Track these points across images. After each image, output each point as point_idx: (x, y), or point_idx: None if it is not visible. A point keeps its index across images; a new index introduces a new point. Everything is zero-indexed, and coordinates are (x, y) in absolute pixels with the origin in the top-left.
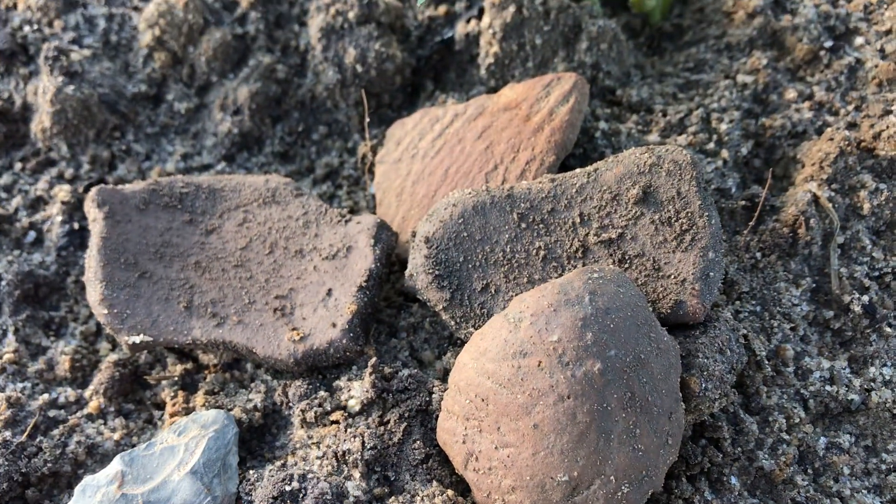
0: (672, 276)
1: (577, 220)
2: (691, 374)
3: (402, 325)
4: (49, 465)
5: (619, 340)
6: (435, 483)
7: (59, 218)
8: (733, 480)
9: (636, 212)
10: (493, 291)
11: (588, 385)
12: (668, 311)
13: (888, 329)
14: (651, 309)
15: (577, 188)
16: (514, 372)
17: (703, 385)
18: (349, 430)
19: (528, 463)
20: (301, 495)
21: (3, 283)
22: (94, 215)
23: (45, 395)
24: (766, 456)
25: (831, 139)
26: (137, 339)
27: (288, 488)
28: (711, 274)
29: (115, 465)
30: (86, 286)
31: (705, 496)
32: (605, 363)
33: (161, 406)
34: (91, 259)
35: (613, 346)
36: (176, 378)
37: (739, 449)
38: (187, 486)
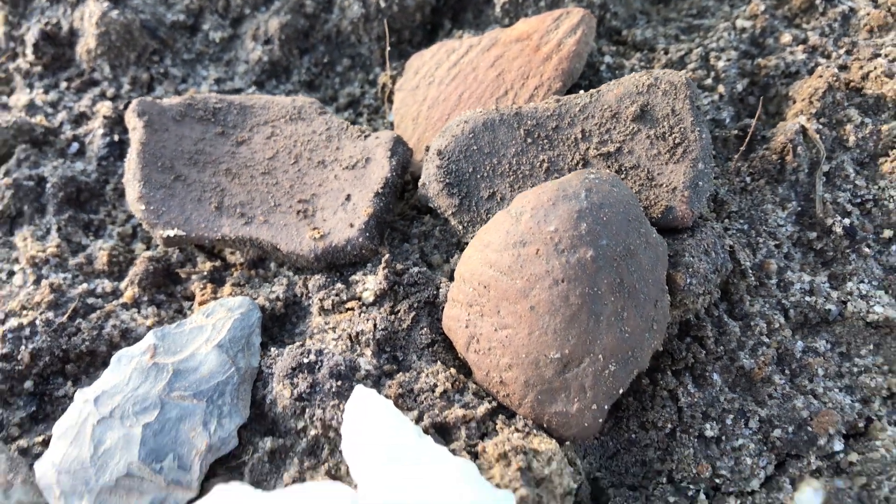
0: (664, 185)
1: (579, 135)
2: (677, 269)
3: (413, 233)
4: (87, 343)
5: (610, 232)
6: (439, 363)
7: (101, 131)
8: (715, 377)
9: (633, 128)
10: (498, 199)
11: (581, 270)
12: (659, 215)
13: (866, 249)
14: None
15: (580, 107)
16: (514, 260)
17: (688, 280)
18: (363, 315)
19: (524, 342)
20: (317, 366)
21: (49, 185)
22: (134, 124)
23: (84, 285)
24: (747, 356)
25: (821, 76)
26: (171, 232)
27: (306, 360)
28: (700, 183)
29: (149, 338)
30: (125, 187)
31: (688, 389)
32: (597, 251)
33: (190, 298)
34: (130, 162)
35: (605, 237)
36: (205, 273)
37: (722, 348)
38: (214, 357)
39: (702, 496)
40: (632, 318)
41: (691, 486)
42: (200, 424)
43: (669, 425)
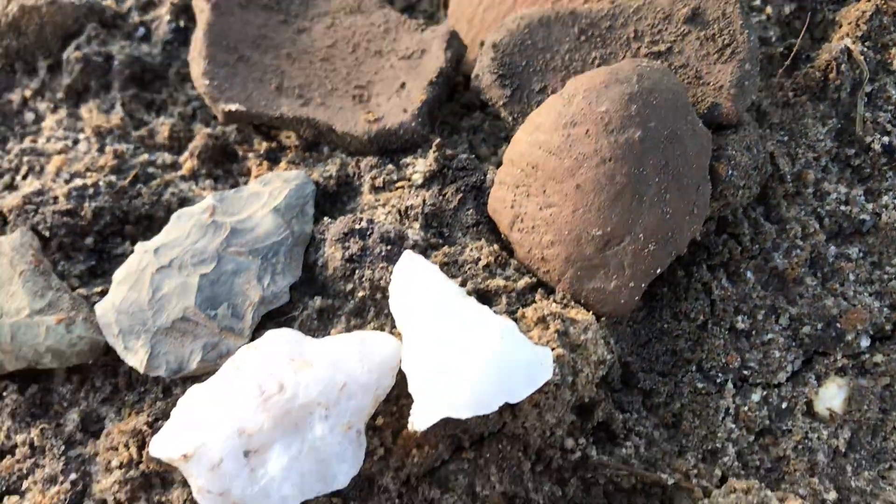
0: (711, 84)
1: (632, 35)
2: (720, 161)
3: (463, 127)
4: (146, 207)
5: (658, 115)
6: (483, 240)
7: (167, 17)
8: (749, 274)
9: (684, 29)
10: (549, 93)
11: (628, 150)
12: (705, 111)
13: None
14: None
15: (633, 9)
16: (563, 140)
17: (730, 172)
18: (412, 193)
19: (567, 220)
20: (368, 232)
21: (116, 63)
22: (201, 7)
23: (145, 156)
24: (781, 257)
25: (869, 0)
26: (233, 107)
27: (357, 227)
28: (746, 83)
29: (208, 200)
30: (190, 64)
31: (722, 283)
32: (645, 132)
33: (246, 174)
34: (197, 41)
35: (654, 119)
36: (261, 153)
37: (757, 247)
38: (270, 220)
39: (729, 385)
40: (674, 200)
41: (720, 375)
42: (255, 279)
43: (702, 317)
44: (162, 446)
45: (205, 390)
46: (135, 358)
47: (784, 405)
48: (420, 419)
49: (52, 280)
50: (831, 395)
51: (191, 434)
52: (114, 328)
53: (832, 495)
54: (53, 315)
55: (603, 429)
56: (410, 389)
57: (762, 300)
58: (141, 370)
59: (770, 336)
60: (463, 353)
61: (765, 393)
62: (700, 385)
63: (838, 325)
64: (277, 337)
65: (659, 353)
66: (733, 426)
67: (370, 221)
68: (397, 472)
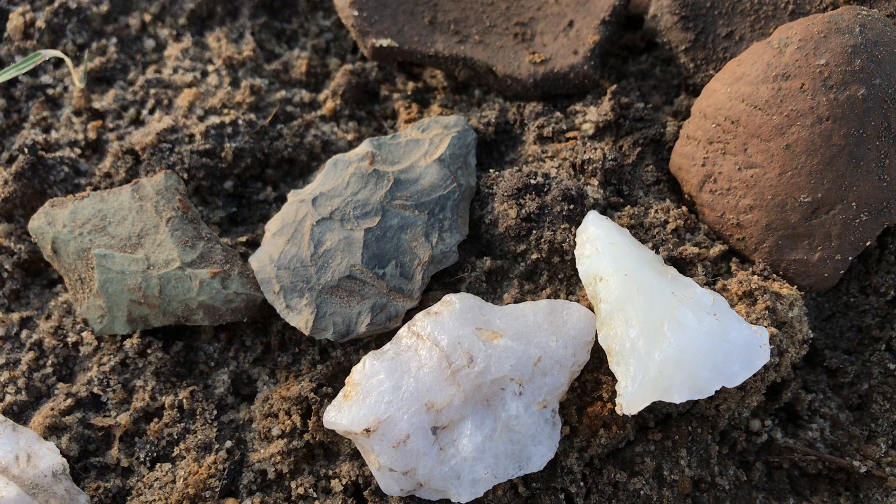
0: None
1: None
2: None
3: (630, 71)
4: (288, 150)
5: (884, 72)
6: (668, 200)
7: None
8: None
9: None
10: (736, 39)
11: (849, 109)
12: None
13: None
14: None
15: None
16: (773, 94)
17: None
18: (588, 145)
19: (771, 183)
20: (545, 189)
21: None
22: None
23: (282, 92)
24: None
25: None
26: (384, 42)
27: (533, 182)
28: None
29: (365, 146)
30: None
31: None
32: (868, 90)
33: (390, 117)
34: None
35: (878, 76)
36: (408, 93)
37: None
38: (435, 171)
39: None
40: (893, 167)
41: None
42: (422, 236)
43: (893, 292)
44: (338, 417)
45: (383, 359)
46: (299, 318)
47: None
48: (631, 403)
49: (201, 228)
50: None
51: (372, 406)
52: (274, 285)
53: None
54: (207, 268)
55: (786, 409)
56: (614, 369)
57: None
58: (306, 332)
59: None
60: (676, 332)
61: None
62: (891, 366)
63: None
64: (459, 303)
65: (844, 328)
66: None
67: (546, 177)
68: (581, 453)
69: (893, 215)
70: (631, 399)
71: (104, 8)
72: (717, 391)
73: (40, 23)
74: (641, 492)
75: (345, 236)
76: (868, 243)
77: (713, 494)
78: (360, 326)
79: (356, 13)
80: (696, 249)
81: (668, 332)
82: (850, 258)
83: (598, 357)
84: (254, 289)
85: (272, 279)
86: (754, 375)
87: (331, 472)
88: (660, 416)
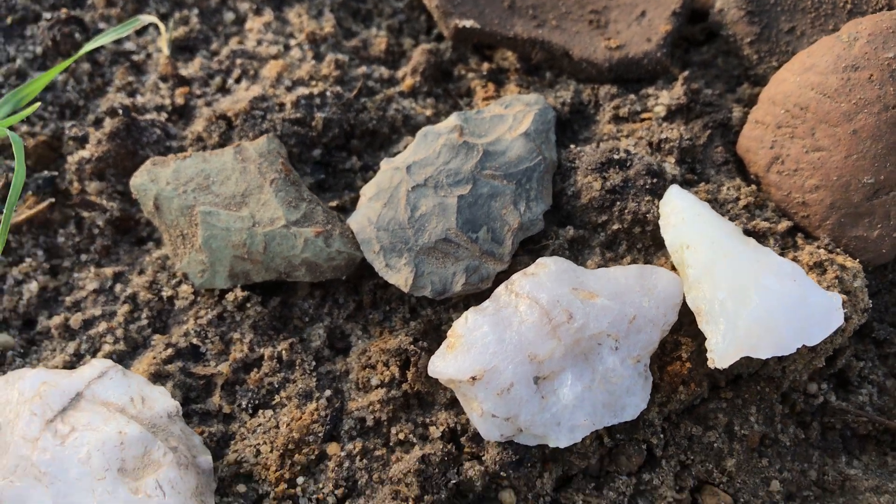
0: None
1: None
2: None
3: (693, 60)
4: (372, 122)
5: None
6: (738, 178)
7: None
8: None
9: None
10: (798, 34)
11: None
12: None
13: None
14: None
15: None
16: (842, 83)
17: None
18: (663, 125)
19: (837, 164)
20: (628, 164)
21: None
22: None
23: (363, 68)
24: None
25: None
26: (467, 23)
27: (616, 157)
28: None
29: (453, 119)
30: None
31: None
32: None
33: (466, 95)
34: None
35: None
36: (483, 73)
37: None
38: (521, 144)
39: None
40: None
41: None
42: (511, 204)
43: None
44: (444, 367)
45: (485, 314)
46: (398, 276)
47: None
48: (723, 358)
49: (303, 191)
50: None
51: (477, 356)
52: (374, 245)
53: None
54: (311, 227)
55: (838, 375)
56: (703, 327)
57: None
58: (405, 289)
59: None
60: (762, 294)
61: None
62: None
63: None
64: (554, 265)
65: (889, 304)
66: None
67: (628, 152)
68: (661, 408)
69: None
70: (722, 354)
71: None
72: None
73: None
74: (714, 444)
75: (439, 202)
76: None
77: (776, 450)
78: (456, 286)
79: None
80: (766, 224)
81: (754, 295)
82: None
83: (678, 322)
84: (354, 248)
85: (372, 239)
86: (825, 339)
87: (428, 420)
88: (730, 376)
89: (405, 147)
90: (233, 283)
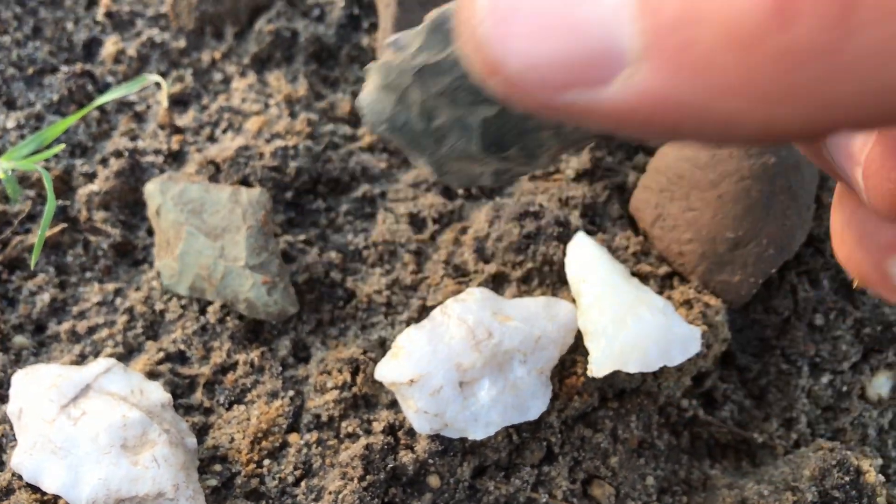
0: None
1: None
2: (823, 191)
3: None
4: (336, 171)
5: (787, 147)
6: (630, 230)
7: (341, 4)
8: (825, 282)
9: None
10: None
11: (763, 172)
12: None
13: None
14: None
15: None
16: (709, 157)
17: (829, 200)
18: (570, 185)
19: (707, 223)
20: (541, 215)
21: (301, 39)
22: (386, 2)
23: (331, 126)
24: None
25: None
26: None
27: (531, 209)
28: None
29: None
30: (380, 52)
31: (805, 287)
32: (777, 159)
33: None
34: (384, 32)
35: (784, 149)
36: None
37: (834, 260)
38: None
39: (805, 368)
40: (792, 216)
41: (798, 360)
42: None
43: (787, 312)
44: (388, 372)
45: (423, 331)
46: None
47: (844, 388)
48: (599, 369)
49: (270, 243)
50: (881, 384)
51: (415, 364)
52: (392, 139)
53: (878, 461)
54: (262, 275)
55: (706, 395)
56: (588, 344)
57: (835, 304)
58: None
59: (839, 333)
60: (636, 322)
61: (831, 377)
62: (783, 366)
63: (893, 328)
64: (479, 294)
65: (751, 338)
66: (806, 401)
67: (541, 206)
68: (560, 413)
69: (789, 252)
70: (599, 366)
71: (182, 44)
72: (660, 370)
73: (131, 52)
74: (601, 445)
75: (458, 117)
76: (773, 271)
77: (652, 452)
78: (483, 180)
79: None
80: (649, 268)
81: (630, 322)
82: (759, 281)
83: (574, 344)
84: (290, 304)
85: (389, 138)
86: (689, 361)
87: (372, 417)
88: (616, 390)
89: (363, 195)
90: (191, 294)
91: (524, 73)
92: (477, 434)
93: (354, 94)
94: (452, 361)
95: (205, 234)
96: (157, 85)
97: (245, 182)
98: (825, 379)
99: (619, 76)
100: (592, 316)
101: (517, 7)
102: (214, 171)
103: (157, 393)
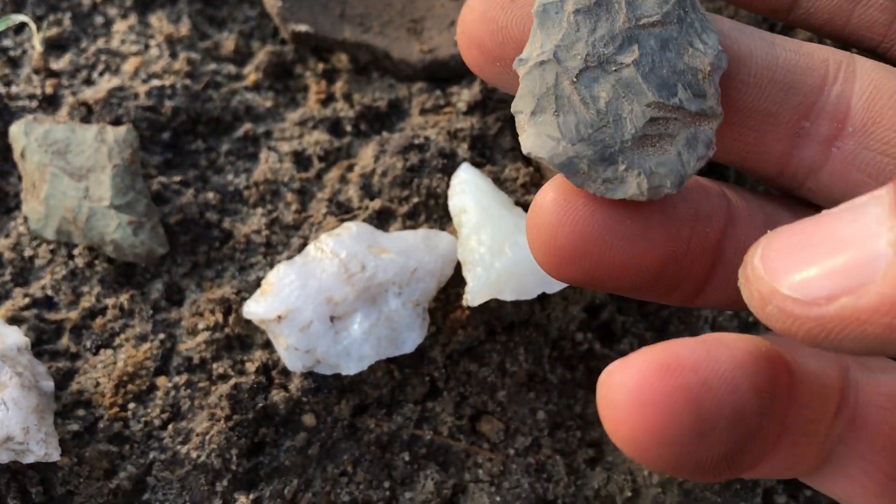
0: None
1: None
2: None
3: None
4: (217, 111)
5: None
6: (520, 162)
7: None
8: None
9: None
10: None
11: None
12: None
13: None
14: None
15: None
16: None
17: None
18: (460, 117)
19: None
20: (426, 148)
21: None
22: None
23: (213, 65)
24: None
25: None
26: (302, 28)
27: (416, 142)
28: None
29: None
30: None
31: None
32: None
33: (303, 90)
34: None
35: None
36: (318, 72)
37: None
38: None
39: None
40: None
41: None
42: (687, 45)
43: None
44: (255, 308)
45: (294, 266)
46: (628, 188)
47: (751, 319)
48: (474, 298)
49: (137, 182)
50: None
51: (284, 299)
52: (579, 165)
53: None
54: (127, 215)
55: (604, 327)
56: (465, 274)
57: None
58: (643, 198)
59: None
60: (514, 249)
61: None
62: None
63: None
64: (356, 228)
65: None
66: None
67: (427, 138)
68: (444, 348)
69: None
70: (475, 295)
71: None
72: (547, 300)
73: None
74: (488, 379)
75: (616, 80)
76: None
77: (544, 387)
78: (689, 168)
79: (280, 4)
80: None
81: (507, 250)
82: None
83: (459, 277)
84: (158, 245)
85: (573, 159)
86: (575, 290)
87: (245, 358)
88: (505, 323)
89: (245, 134)
90: (58, 238)
91: (796, 289)
92: (350, 369)
93: (242, 34)
94: (323, 295)
95: (69, 175)
96: (29, 27)
97: (117, 123)
98: (729, 312)
99: (878, 275)
100: (471, 245)
101: (783, 246)
102: (86, 114)
103: (14, 337)
